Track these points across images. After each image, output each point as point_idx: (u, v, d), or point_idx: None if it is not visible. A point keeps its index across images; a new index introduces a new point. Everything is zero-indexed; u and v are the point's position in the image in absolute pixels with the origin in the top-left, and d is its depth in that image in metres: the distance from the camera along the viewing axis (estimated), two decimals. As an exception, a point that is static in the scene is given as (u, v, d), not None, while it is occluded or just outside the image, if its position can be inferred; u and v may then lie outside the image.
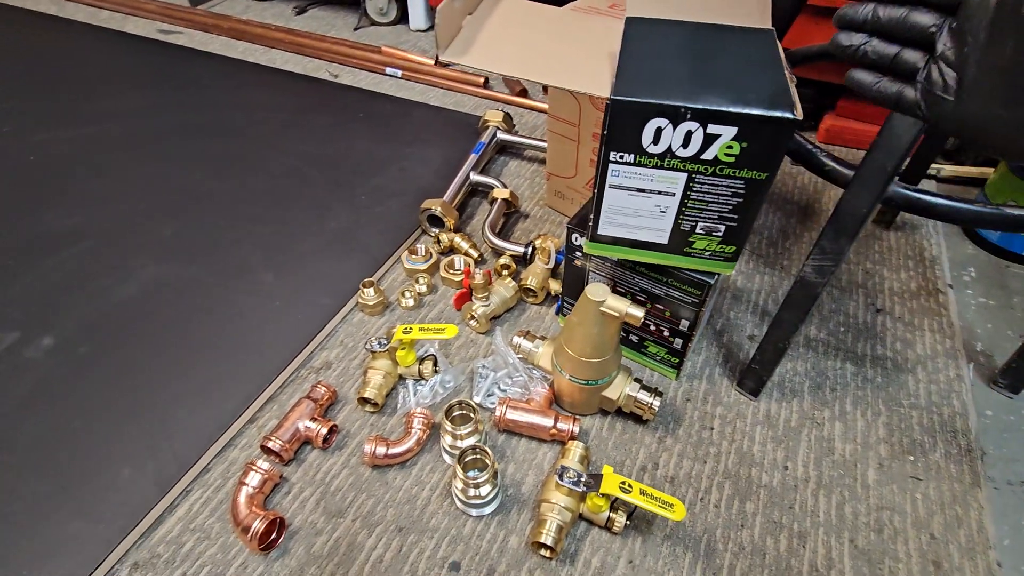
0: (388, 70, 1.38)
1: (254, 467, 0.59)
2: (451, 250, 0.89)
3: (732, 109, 0.46)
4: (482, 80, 1.31)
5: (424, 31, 1.61)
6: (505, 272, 0.83)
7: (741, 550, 0.56)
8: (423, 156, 1.08)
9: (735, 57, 0.50)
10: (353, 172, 1.04)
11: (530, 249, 0.82)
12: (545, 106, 1.21)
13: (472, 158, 1.00)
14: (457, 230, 0.90)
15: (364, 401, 0.66)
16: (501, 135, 1.08)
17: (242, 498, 0.57)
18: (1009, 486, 0.62)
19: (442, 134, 1.14)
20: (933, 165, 1.02)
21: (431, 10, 1.57)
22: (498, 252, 0.86)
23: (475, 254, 0.86)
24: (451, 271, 0.84)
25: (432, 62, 1.40)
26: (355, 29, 1.61)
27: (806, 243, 0.90)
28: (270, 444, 0.61)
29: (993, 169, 0.92)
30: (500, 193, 0.92)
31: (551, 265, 0.80)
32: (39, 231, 0.91)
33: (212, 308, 0.79)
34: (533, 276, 0.79)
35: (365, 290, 0.79)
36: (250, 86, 1.31)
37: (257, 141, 1.12)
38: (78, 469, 0.61)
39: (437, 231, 0.90)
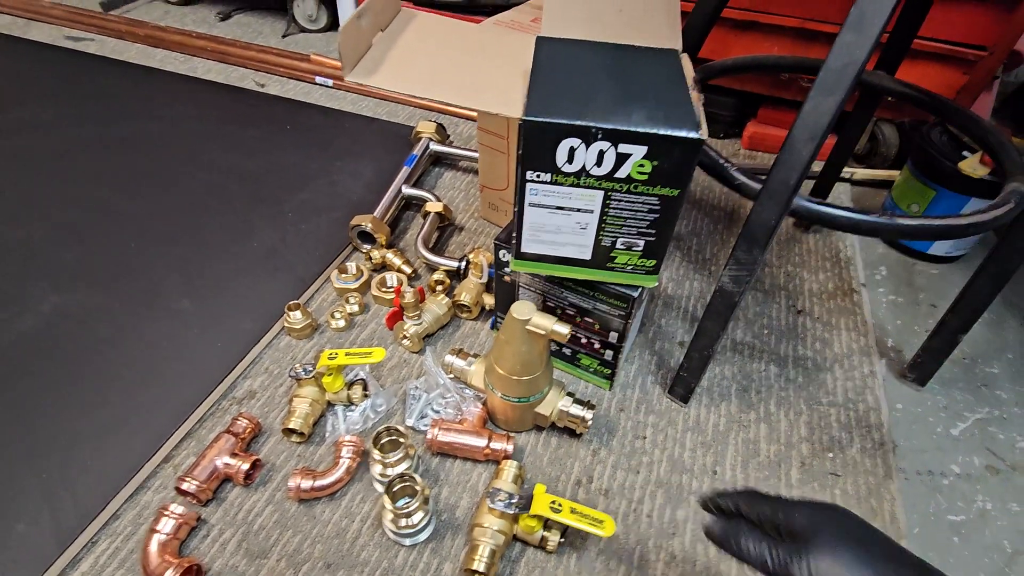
0: (318, 79, 1.34)
1: (167, 512, 0.55)
2: (383, 267, 0.86)
3: (640, 129, 0.46)
4: (415, 89, 1.29)
5: (356, 38, 1.57)
6: (439, 288, 0.81)
7: (672, 559, 0.57)
8: (354, 169, 1.05)
9: (643, 77, 0.51)
10: (279, 187, 1.00)
11: (464, 264, 0.81)
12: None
13: (404, 171, 0.98)
14: (390, 246, 0.88)
15: (289, 432, 0.64)
16: (434, 146, 1.06)
17: (153, 547, 0.54)
18: (918, 476, 0.65)
19: (374, 146, 1.11)
20: (846, 169, 1.08)
21: (362, 17, 1.54)
22: (432, 267, 0.84)
23: (408, 270, 0.84)
24: (383, 289, 0.82)
25: (364, 71, 1.36)
26: (283, 36, 1.56)
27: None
28: (184, 486, 0.57)
29: (899, 172, 0.98)
30: (433, 207, 0.91)
31: (484, 280, 0.79)
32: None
33: (120, 339, 0.73)
34: (467, 292, 0.78)
35: (291, 313, 0.75)
36: (167, 97, 1.24)
37: (173, 155, 1.06)
38: (-34, 526, 0.56)
39: (368, 248, 0.88)
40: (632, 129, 0.47)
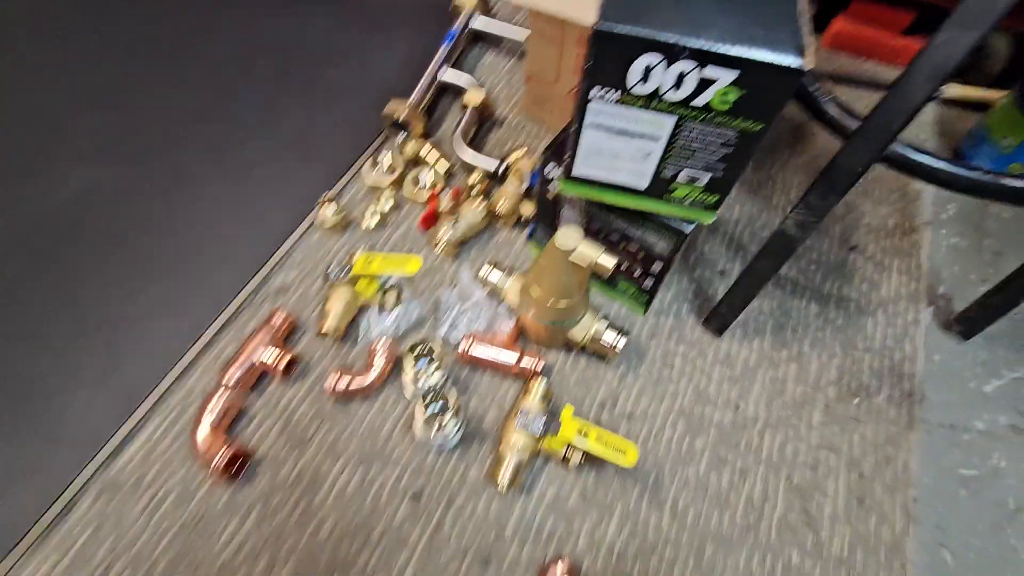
0: (346, -77, 1.16)
1: (213, 398, 0.58)
2: (417, 161, 0.82)
3: (734, 52, 0.40)
4: (457, -55, 1.13)
5: None
6: (476, 191, 0.77)
7: (685, 485, 0.60)
8: (388, 43, 0.95)
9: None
10: (307, 61, 0.91)
11: (503, 167, 0.76)
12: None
13: (443, 49, 0.89)
14: (424, 136, 0.83)
15: (323, 334, 0.65)
16: (476, 22, 0.95)
17: (204, 427, 0.57)
18: (940, 429, 0.66)
19: (410, 14, 0.99)
20: (939, 84, 0.95)
21: None
22: (468, 167, 0.80)
23: (443, 168, 0.80)
24: (417, 187, 0.78)
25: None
26: None
27: (792, 172, 0.86)
28: (228, 377, 0.60)
29: (1000, 95, 0.86)
30: (472, 99, 0.83)
31: (524, 188, 0.75)
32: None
33: (153, 222, 0.72)
34: (505, 199, 0.74)
35: (325, 208, 0.73)
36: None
37: (192, 15, 0.96)
38: (28, 399, 0.60)
39: (402, 138, 0.83)
40: (725, 51, 0.40)
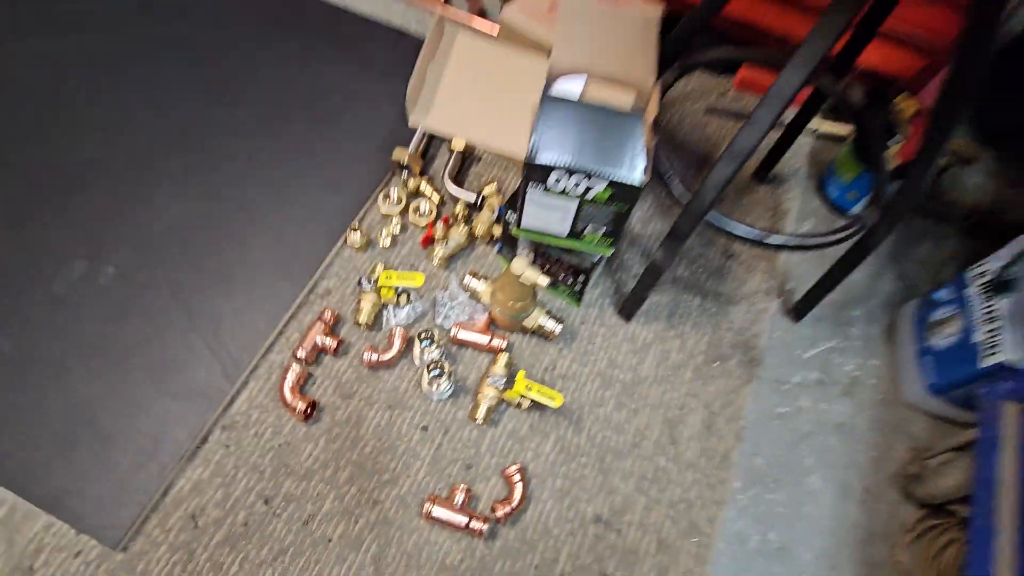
0: (350, -26, 1.40)
1: (291, 368, 0.90)
2: (418, 193, 1.11)
3: (603, 172, 0.70)
4: (444, -3, 1.37)
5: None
6: (460, 218, 1.07)
7: (597, 420, 0.93)
8: (392, 91, 1.21)
9: (612, 135, 0.72)
10: (329, 107, 1.19)
11: (480, 199, 1.06)
12: (489, 28, 1.32)
13: (434, 101, 1.16)
14: (422, 175, 1.12)
15: (359, 324, 0.96)
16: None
17: (287, 387, 0.89)
18: (768, 382, 0.99)
19: (408, 65, 1.26)
20: (815, 120, 1.25)
21: None
22: (455, 199, 1.09)
23: (436, 199, 1.09)
24: (417, 214, 1.08)
25: (394, -33, 1.42)
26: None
27: (695, 195, 1.16)
28: (299, 353, 0.91)
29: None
30: (457, 144, 1.11)
31: (495, 216, 1.05)
32: (62, 164, 1.08)
33: (229, 242, 1.02)
34: (481, 224, 1.04)
35: (352, 233, 1.03)
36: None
37: (231, 63, 1.22)
38: (163, 367, 0.91)
39: (405, 175, 1.11)
40: (598, 172, 0.70)
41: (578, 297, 1.00)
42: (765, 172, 1.19)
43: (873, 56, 1.09)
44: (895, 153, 1.04)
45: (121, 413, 0.88)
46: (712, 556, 0.85)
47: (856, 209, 1.15)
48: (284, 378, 0.90)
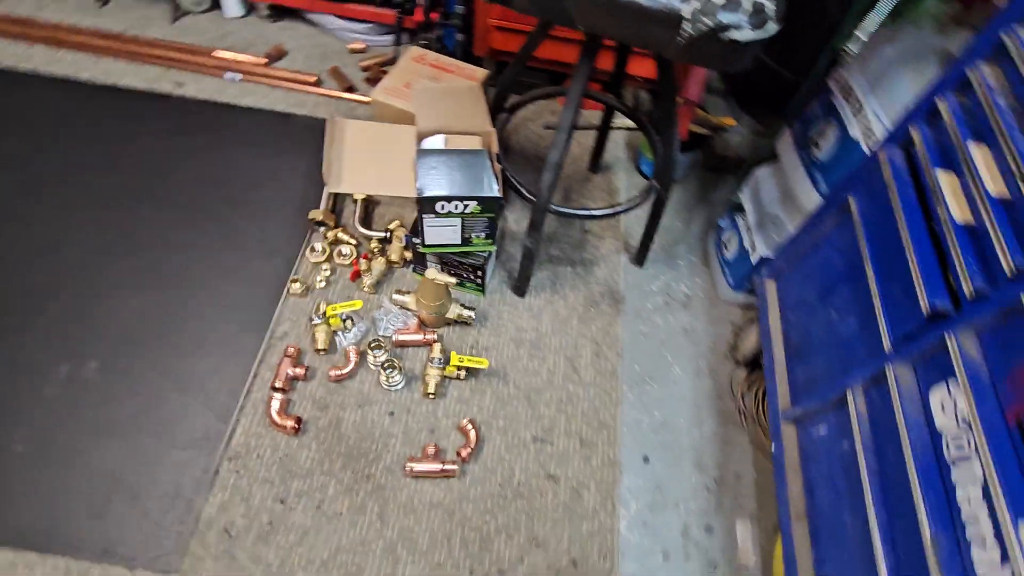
0: (227, 75, 1.64)
1: (272, 398, 1.13)
2: (337, 241, 1.37)
3: (472, 194, 1.02)
4: (314, 79, 1.65)
5: (240, 18, 1.80)
6: (376, 251, 1.35)
7: (518, 371, 1.24)
8: (293, 165, 1.47)
9: (471, 168, 1.04)
10: (243, 190, 1.42)
11: (388, 234, 1.35)
12: (366, 98, 1.61)
13: (330, 165, 1.43)
14: (336, 226, 1.38)
15: (319, 351, 1.21)
16: (346, 141, 1.50)
17: (273, 412, 1.12)
18: (631, 313, 1.36)
19: (299, 141, 1.52)
20: (617, 120, 1.66)
21: (243, 0, 1.77)
22: (368, 238, 1.37)
23: (354, 242, 1.36)
24: (341, 257, 1.34)
25: (265, 61, 1.67)
26: (173, 22, 1.76)
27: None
28: (276, 384, 1.15)
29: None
30: (358, 194, 1.39)
31: (404, 244, 1.34)
32: (22, 285, 1.22)
33: (195, 314, 1.23)
34: (394, 253, 1.33)
35: (292, 284, 1.27)
36: (105, 112, 1.51)
37: (149, 170, 1.42)
38: (166, 428, 1.10)
39: (323, 229, 1.37)
40: (468, 195, 1.02)
41: (481, 288, 1.31)
42: (596, 164, 1.58)
43: (641, 69, 1.51)
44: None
45: (140, 472, 1.06)
46: (619, 440, 1.19)
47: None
48: (269, 407, 1.13)
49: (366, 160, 1.04)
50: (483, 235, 1.13)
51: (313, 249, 1.33)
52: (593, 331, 1.32)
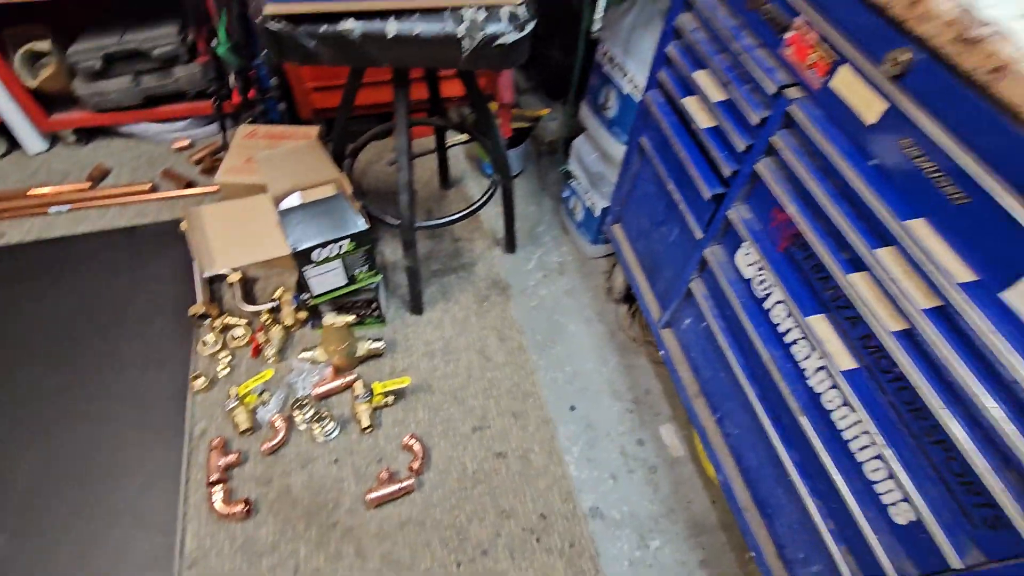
0: (51, 210, 1.57)
1: (212, 493, 1.12)
2: (225, 327, 1.38)
3: (341, 234, 1.11)
4: (148, 186, 1.63)
5: (46, 152, 1.74)
6: (270, 321, 1.38)
7: (438, 378, 1.34)
8: (155, 273, 1.45)
9: (332, 212, 1.13)
10: (113, 315, 1.38)
11: (276, 304, 1.38)
12: (210, 187, 1.64)
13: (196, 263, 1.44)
14: (221, 312, 1.39)
15: (244, 432, 1.21)
16: (202, 233, 1.51)
17: (217, 506, 1.11)
18: (519, 294, 1.52)
19: (153, 249, 1.50)
20: (450, 138, 1.83)
21: (43, 132, 1.71)
22: (258, 313, 1.39)
23: (244, 322, 1.38)
24: (236, 340, 1.35)
25: (87, 185, 1.63)
26: (-31, 174, 1.65)
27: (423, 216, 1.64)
28: (211, 479, 1.14)
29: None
30: (233, 277, 1.42)
31: (294, 306, 1.38)
32: None
33: (103, 451, 1.18)
34: (287, 318, 1.37)
35: (195, 381, 1.27)
36: (-74, 285, 1.39)
37: (10, 322, 1.33)
38: (110, 565, 1.05)
39: (209, 320, 1.38)
40: (338, 235, 1.11)
41: (382, 319, 1.39)
42: (446, 181, 1.74)
43: (453, 89, 1.69)
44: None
45: (94, 620, 1.01)
46: (544, 401, 1.32)
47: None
48: (212, 503, 1.12)
49: (232, 237, 1.09)
50: (365, 268, 1.22)
51: (204, 343, 1.33)
52: (491, 321, 1.45)
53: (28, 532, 1.08)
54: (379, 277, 1.27)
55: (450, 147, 1.77)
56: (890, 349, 0.63)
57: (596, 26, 1.13)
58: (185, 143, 1.76)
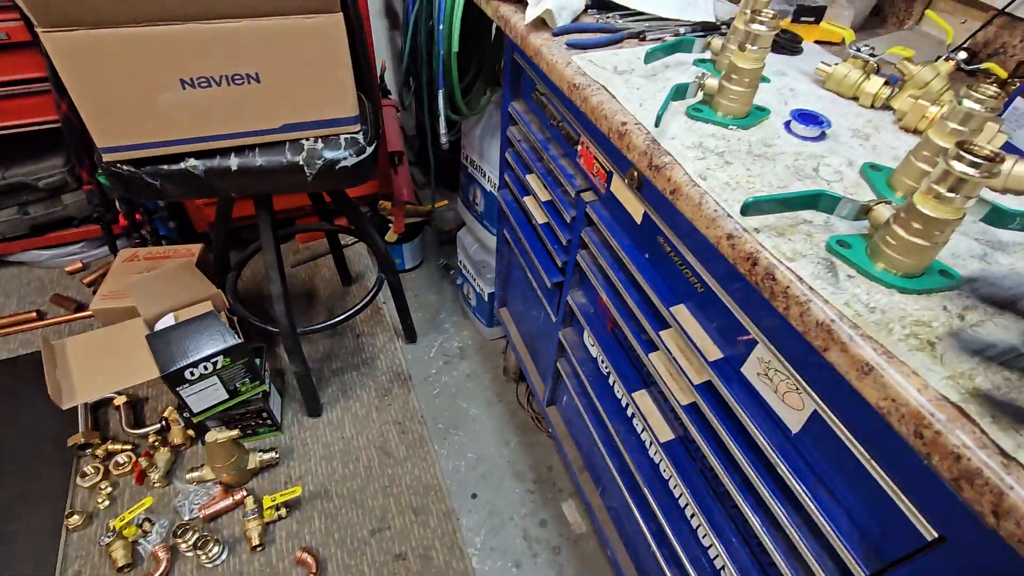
0: (-75, 348, 1.51)
1: (83, 644, 1.04)
2: (108, 454, 1.33)
3: (210, 352, 1.12)
4: (34, 313, 1.60)
5: (-74, 286, 1.68)
6: (158, 443, 1.34)
7: (337, 481, 1.31)
8: (36, 403, 1.40)
9: (204, 330, 1.15)
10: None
11: (164, 423, 1.35)
12: (82, 315, 1.62)
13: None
14: (104, 439, 1.34)
15: (121, 569, 1.14)
16: (89, 357, 1.48)
17: (88, 660, 1.03)
18: (420, 382, 1.54)
19: (38, 377, 1.45)
20: (343, 239, 1.90)
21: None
22: (145, 436, 1.35)
23: (130, 446, 1.33)
24: (119, 468, 1.30)
25: (-32, 318, 1.58)
26: None
27: (326, 315, 1.67)
28: (82, 628, 1.06)
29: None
30: (118, 400, 1.38)
31: (182, 425, 1.35)
32: None
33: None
34: (176, 437, 1.33)
35: (69, 519, 1.20)
36: None
37: None
38: None
39: (91, 450, 1.32)
40: (206, 353, 1.12)
41: (275, 426, 1.38)
42: (347, 278, 1.78)
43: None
44: (391, 232, 1.73)
45: None
46: (446, 493, 1.32)
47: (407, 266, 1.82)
48: (82, 655, 1.03)
49: (97, 366, 1.08)
50: (247, 380, 1.23)
51: (84, 474, 1.28)
52: (393, 414, 1.46)
53: None
54: (263, 387, 1.27)
55: (345, 247, 1.83)
56: (684, 420, 0.69)
57: (443, 139, 1.24)
58: (77, 266, 1.75)
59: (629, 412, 0.88)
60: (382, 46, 2.00)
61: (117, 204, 1.54)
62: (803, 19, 0.92)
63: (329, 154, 0.96)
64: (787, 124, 0.65)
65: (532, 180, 1.02)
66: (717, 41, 0.75)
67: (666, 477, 0.81)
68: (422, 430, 1.43)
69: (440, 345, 1.64)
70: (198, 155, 0.91)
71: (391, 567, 1.19)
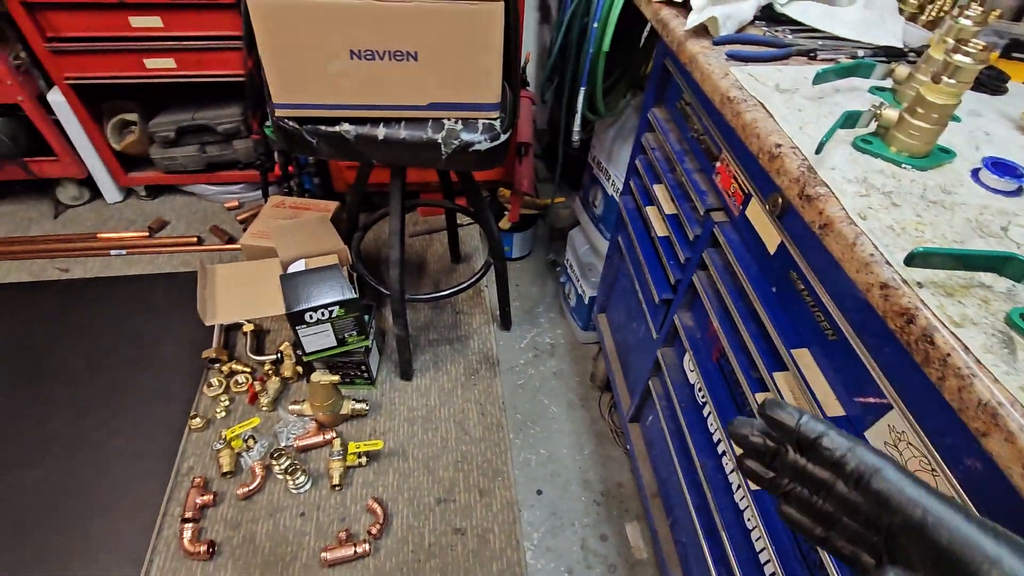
0: (113, 252, 1.80)
1: (183, 529, 1.19)
2: (232, 372, 1.50)
3: (328, 300, 1.22)
4: (195, 239, 1.85)
5: (121, 202, 2.01)
6: (271, 372, 1.49)
7: (415, 445, 1.38)
8: (183, 316, 1.62)
9: (328, 280, 1.25)
10: (138, 349, 1.54)
11: (279, 355, 1.50)
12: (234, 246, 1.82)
13: (218, 308, 1.59)
14: (231, 358, 1.52)
15: (225, 474, 1.29)
16: (230, 285, 1.68)
17: (185, 542, 1.18)
18: (507, 370, 1.56)
19: (190, 293, 1.68)
20: (460, 218, 1.96)
21: (120, 186, 1.98)
22: (262, 363, 1.51)
23: (248, 370, 1.50)
24: (238, 386, 1.47)
25: (146, 233, 1.86)
26: (55, 217, 1.93)
27: (432, 287, 1.75)
28: (186, 515, 1.21)
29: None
30: (247, 327, 1.56)
31: (294, 360, 1.49)
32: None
33: (99, 473, 1.29)
34: (287, 370, 1.48)
35: (192, 420, 1.38)
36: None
37: (37, 356, 1.51)
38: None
39: (218, 365, 1.51)
40: (325, 301, 1.22)
41: (371, 381, 1.48)
42: (457, 256, 1.85)
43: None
44: (506, 219, 1.77)
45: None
46: (513, 481, 1.33)
47: (514, 254, 1.86)
48: (182, 539, 1.19)
49: (237, 293, 1.23)
50: (355, 333, 1.32)
51: (210, 385, 1.46)
52: (476, 394, 1.50)
53: (10, 545, 1.19)
54: (367, 342, 1.37)
55: (460, 226, 1.90)
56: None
57: (574, 136, 1.24)
58: (235, 204, 1.98)
59: (720, 449, 0.83)
60: (529, 38, 2.03)
61: (275, 155, 1.72)
62: (1015, 55, 0.80)
63: (466, 136, 1.00)
64: (975, 172, 0.57)
65: (659, 190, 0.99)
66: (903, 69, 0.67)
67: (749, 527, 0.76)
68: (501, 416, 1.46)
69: (532, 338, 1.66)
70: (352, 121, 0.99)
71: (449, 538, 1.23)
